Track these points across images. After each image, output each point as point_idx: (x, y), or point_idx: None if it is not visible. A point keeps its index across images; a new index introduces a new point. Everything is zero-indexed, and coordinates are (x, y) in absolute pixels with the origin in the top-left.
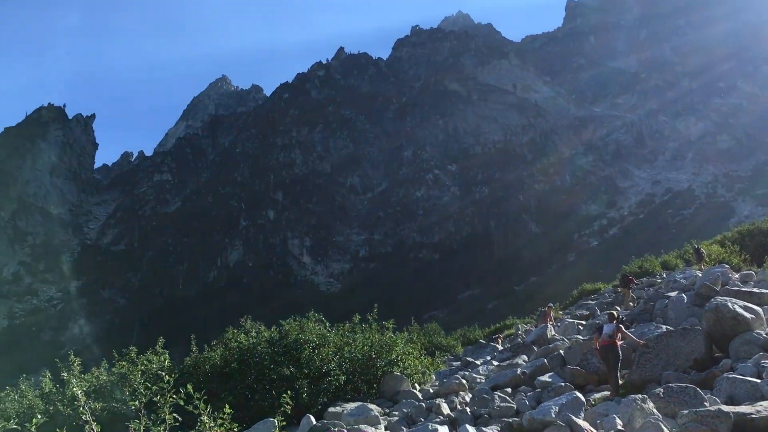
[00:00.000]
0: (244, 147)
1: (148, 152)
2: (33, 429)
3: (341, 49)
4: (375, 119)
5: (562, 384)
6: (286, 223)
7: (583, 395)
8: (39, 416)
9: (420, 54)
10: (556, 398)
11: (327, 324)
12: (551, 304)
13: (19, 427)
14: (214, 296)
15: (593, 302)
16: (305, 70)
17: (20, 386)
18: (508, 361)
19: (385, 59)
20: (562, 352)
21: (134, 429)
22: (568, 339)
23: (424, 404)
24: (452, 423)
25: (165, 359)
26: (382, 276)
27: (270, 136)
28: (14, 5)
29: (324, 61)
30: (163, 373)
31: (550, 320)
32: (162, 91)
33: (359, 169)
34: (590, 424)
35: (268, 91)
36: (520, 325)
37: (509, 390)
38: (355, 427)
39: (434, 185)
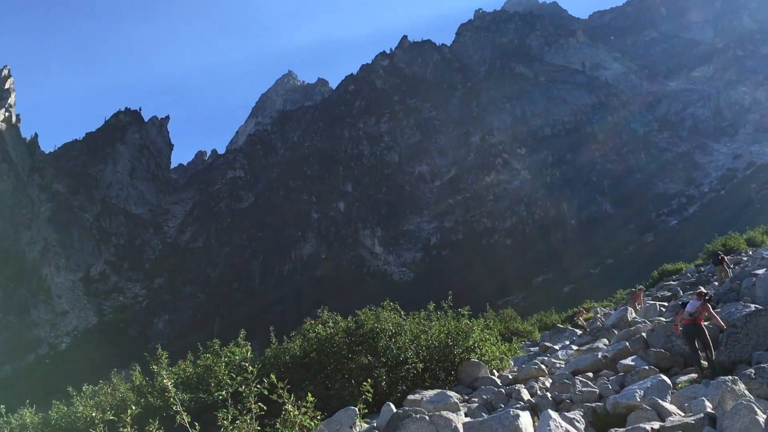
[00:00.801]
0: (312, 141)
1: (221, 150)
2: (128, 420)
3: (404, 37)
4: (441, 106)
5: (646, 367)
6: (357, 214)
7: (669, 378)
8: (133, 407)
9: (484, 38)
10: (641, 382)
11: (402, 313)
12: (641, 286)
13: (116, 418)
14: (289, 289)
15: (675, 283)
16: (369, 61)
17: (113, 380)
18: (587, 346)
19: (449, 45)
20: (644, 334)
21: (222, 418)
22: (649, 321)
23: (503, 390)
24: (533, 408)
25: (247, 351)
26: (455, 263)
27: (337, 129)
28: (91, 17)
29: (388, 51)
30: (247, 364)
31: (640, 302)
32: (232, 90)
33: (427, 157)
34: (677, 408)
35: (333, 84)
36: (598, 308)
37: (590, 375)
38: (437, 413)
39: (504, 170)
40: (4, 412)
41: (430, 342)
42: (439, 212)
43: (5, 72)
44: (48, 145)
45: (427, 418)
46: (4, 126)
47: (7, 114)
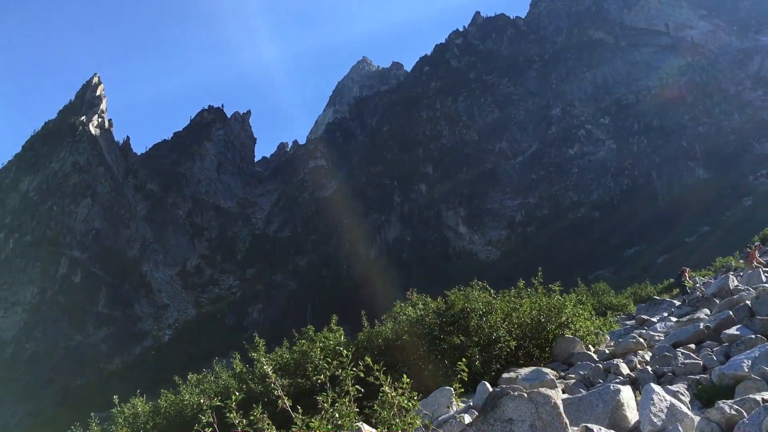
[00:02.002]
0: (390, 125)
1: (302, 141)
2: (233, 404)
3: (477, 13)
4: (518, 81)
5: (753, 336)
6: (439, 196)
7: None
8: (237, 393)
9: (560, 6)
10: (748, 351)
11: (491, 291)
12: (758, 243)
13: (222, 404)
14: (377, 273)
15: None
16: (443, 41)
17: (215, 368)
18: (687, 317)
19: (523, 17)
20: (749, 302)
21: (322, 401)
22: (753, 288)
23: (600, 365)
24: (633, 383)
25: (341, 335)
26: (541, 239)
27: (415, 111)
28: (172, 22)
29: (461, 29)
30: (341, 348)
31: (756, 261)
32: (309, 81)
33: (507, 134)
34: None
35: (408, 67)
36: (697, 278)
37: (692, 346)
38: (535, 390)
39: (587, 141)
40: (117, 402)
41: (521, 319)
42: (522, 188)
43: (95, 80)
44: (139, 146)
45: (525, 395)
46: (98, 132)
47: (100, 120)
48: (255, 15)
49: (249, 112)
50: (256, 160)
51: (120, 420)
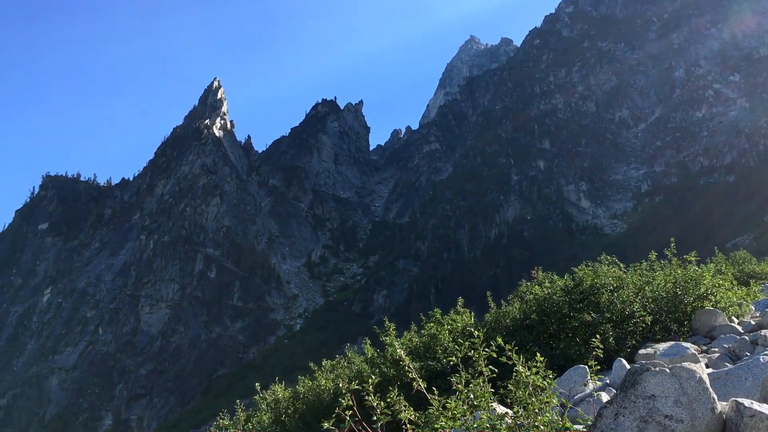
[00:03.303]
0: (503, 102)
1: (415, 126)
2: (370, 388)
3: None
4: (636, 44)
5: None
6: (558, 171)
7: None
8: (373, 377)
9: None
10: None
11: (621, 265)
12: None
13: (360, 387)
14: (499, 253)
15: None
16: (553, 11)
17: (347, 353)
18: None
19: None
20: None
21: (456, 382)
22: None
23: (747, 337)
24: None
25: (471, 316)
26: (671, 208)
27: (527, 86)
28: (280, 20)
29: None
30: (472, 329)
31: None
32: (417, 66)
33: (627, 101)
34: None
35: (518, 42)
36: None
37: None
38: (677, 365)
39: (716, 101)
40: (259, 389)
41: (656, 293)
42: (647, 157)
43: (216, 84)
44: (260, 144)
45: (668, 370)
46: (221, 133)
47: (222, 122)
48: (361, 6)
49: (361, 102)
50: (371, 148)
51: (263, 406)
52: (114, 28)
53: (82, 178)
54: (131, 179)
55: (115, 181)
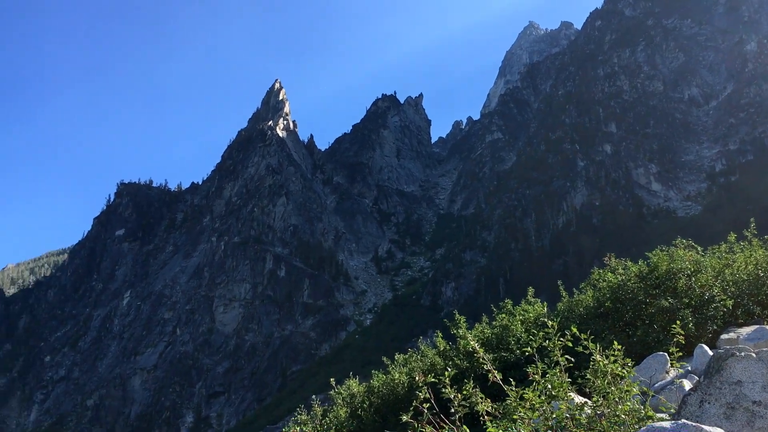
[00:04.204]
0: (566, 87)
1: (476, 116)
2: (447, 380)
3: None
4: (704, 19)
5: None
6: (626, 154)
7: None
8: (449, 369)
9: None
10: None
11: (698, 249)
12: None
13: (436, 380)
14: (568, 242)
15: None
16: None
17: (420, 346)
18: None
19: None
20: None
21: (533, 372)
22: None
23: None
24: None
25: (544, 306)
26: (748, 188)
27: (590, 70)
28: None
29: None
30: (546, 319)
31: None
32: (476, 55)
33: (696, 78)
34: None
35: (578, 24)
36: None
37: None
38: (765, 350)
39: None
40: (334, 384)
41: (736, 276)
42: (720, 135)
43: (277, 85)
44: (322, 142)
45: (754, 355)
46: (285, 134)
47: (285, 122)
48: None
49: (421, 95)
50: (432, 141)
51: (339, 400)
52: (177, 38)
53: (154, 185)
54: (200, 183)
55: (185, 185)
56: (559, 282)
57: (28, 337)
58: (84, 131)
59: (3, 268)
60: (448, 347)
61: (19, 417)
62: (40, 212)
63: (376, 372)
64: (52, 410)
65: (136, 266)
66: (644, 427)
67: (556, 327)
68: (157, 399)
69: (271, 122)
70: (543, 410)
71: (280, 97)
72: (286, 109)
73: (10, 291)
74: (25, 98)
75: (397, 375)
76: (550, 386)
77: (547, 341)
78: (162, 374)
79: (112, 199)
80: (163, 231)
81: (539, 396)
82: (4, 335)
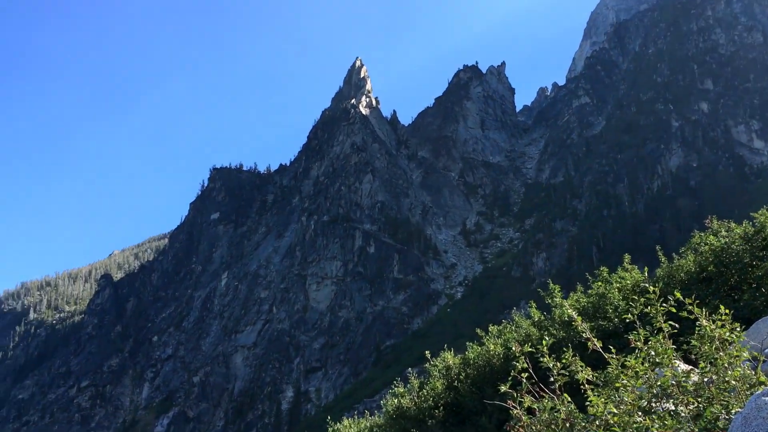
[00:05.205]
0: (656, 45)
1: (561, 82)
2: (545, 349)
3: None
4: None
5: None
6: (724, 111)
7: None
8: (546, 339)
9: None
10: None
11: None
12: None
13: (534, 350)
14: (664, 206)
15: None
16: None
17: (514, 318)
18: None
19: None
20: None
21: (635, 340)
22: None
23: None
24: None
25: (639, 273)
26: None
27: (683, 24)
28: None
29: None
30: (647, 285)
31: None
32: (559, 19)
33: None
34: None
35: None
36: None
37: None
38: None
39: None
40: (429, 356)
41: None
42: None
43: (358, 63)
44: (405, 117)
45: None
46: (368, 111)
47: (367, 100)
48: None
49: (503, 63)
50: (517, 110)
51: (435, 373)
52: (259, 24)
53: (244, 168)
54: (288, 164)
55: (273, 167)
56: (658, 247)
57: (137, 319)
58: (178, 122)
59: (110, 255)
60: (542, 317)
61: (132, 394)
62: (142, 200)
63: (471, 344)
64: (162, 387)
65: (231, 248)
66: (756, 393)
67: (658, 293)
68: (258, 375)
69: (353, 100)
70: (647, 378)
71: (362, 75)
72: (368, 86)
73: (118, 276)
74: (126, 95)
75: (492, 346)
76: (653, 353)
77: (648, 307)
78: (261, 351)
79: (205, 184)
80: (255, 213)
81: (642, 363)
82: (114, 318)
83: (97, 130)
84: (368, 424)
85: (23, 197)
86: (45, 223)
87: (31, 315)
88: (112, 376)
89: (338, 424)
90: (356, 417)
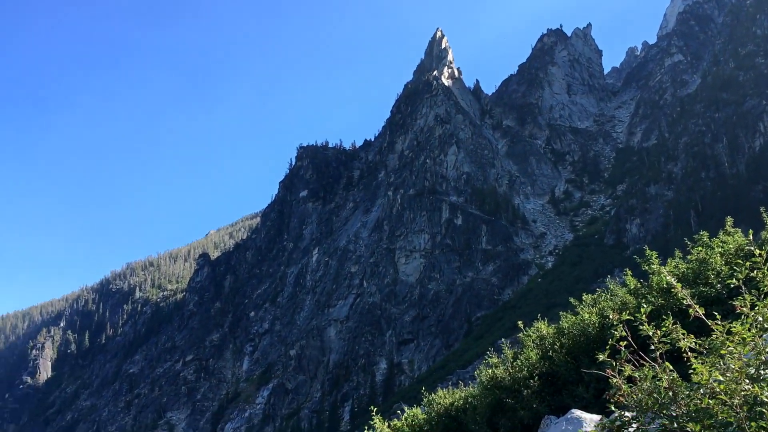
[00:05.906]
0: None
1: (652, 40)
2: (644, 317)
3: None
4: None
5: None
6: None
7: None
8: (645, 306)
9: None
10: None
11: None
12: None
13: (632, 317)
14: (767, 165)
15: None
16: None
17: (609, 286)
18: None
19: None
20: None
21: (740, 305)
22: None
23: None
24: None
25: (743, 237)
26: None
27: None
28: None
29: None
30: (753, 249)
31: None
32: None
33: None
34: None
35: None
36: None
37: None
38: None
39: None
40: (522, 326)
41: None
42: None
43: (438, 34)
44: (488, 86)
45: None
46: (450, 82)
47: (449, 71)
48: None
49: (589, 25)
50: (605, 72)
51: (529, 343)
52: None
53: (330, 145)
54: (373, 140)
55: (358, 143)
56: (762, 209)
57: (234, 296)
58: (266, 104)
59: (207, 235)
60: (639, 285)
61: (233, 367)
62: (235, 181)
63: (564, 313)
64: (261, 360)
65: (321, 224)
66: None
67: (764, 256)
68: (351, 347)
69: (435, 72)
70: (754, 344)
71: (443, 46)
72: (450, 57)
73: (215, 254)
74: (216, 84)
75: (587, 315)
76: (761, 318)
77: (754, 271)
78: (354, 324)
79: (293, 163)
80: (342, 189)
81: (749, 329)
82: (213, 295)
83: (193, 118)
84: (463, 395)
85: (127, 184)
86: (147, 207)
87: (137, 294)
88: (214, 350)
89: (433, 394)
90: (450, 388)
